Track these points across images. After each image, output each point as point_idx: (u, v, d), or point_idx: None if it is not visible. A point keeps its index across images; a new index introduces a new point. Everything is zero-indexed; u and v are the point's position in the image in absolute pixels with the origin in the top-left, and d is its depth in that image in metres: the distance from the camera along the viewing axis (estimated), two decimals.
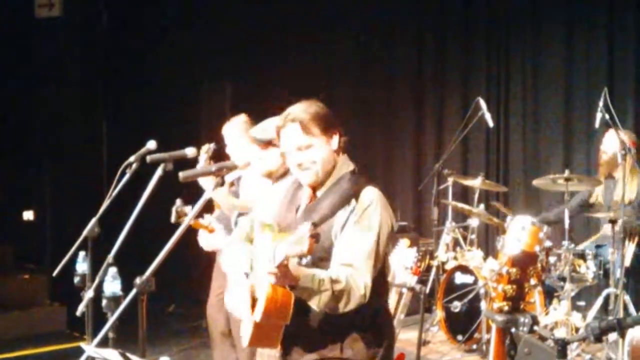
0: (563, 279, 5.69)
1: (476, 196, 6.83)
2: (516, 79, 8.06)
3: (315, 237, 2.51)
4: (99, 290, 4.13)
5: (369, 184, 2.96)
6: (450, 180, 7.02)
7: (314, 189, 3.04)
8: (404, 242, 5.55)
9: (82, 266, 5.06)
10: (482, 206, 6.64)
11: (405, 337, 5.84)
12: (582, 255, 5.86)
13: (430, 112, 8.85)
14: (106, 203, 4.08)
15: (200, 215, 4.21)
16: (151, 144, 3.92)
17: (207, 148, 4.98)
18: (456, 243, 6.89)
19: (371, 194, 2.90)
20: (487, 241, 7.81)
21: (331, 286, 2.70)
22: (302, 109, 2.98)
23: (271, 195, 3.30)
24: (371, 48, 9.08)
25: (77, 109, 9.09)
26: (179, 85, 9.04)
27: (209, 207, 4.80)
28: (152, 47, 9.29)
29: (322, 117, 2.97)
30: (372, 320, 2.96)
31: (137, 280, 2.85)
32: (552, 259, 5.76)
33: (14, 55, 8.52)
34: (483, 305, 5.79)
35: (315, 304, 2.74)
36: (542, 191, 7.02)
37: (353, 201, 2.87)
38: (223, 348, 5.50)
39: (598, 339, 2.22)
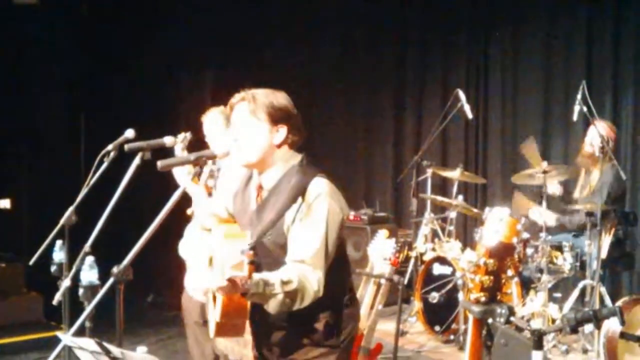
0: (540, 271, 5.73)
1: (455, 188, 6.84)
2: (496, 71, 8.10)
3: (253, 263, 2.52)
4: (75, 279, 4.11)
5: (317, 174, 2.93)
6: (429, 171, 7.03)
7: (260, 178, 3.03)
8: (382, 233, 5.56)
9: (59, 255, 5.03)
10: (460, 197, 6.66)
11: (384, 328, 5.86)
12: (559, 247, 5.90)
13: (410, 104, 8.88)
14: (84, 191, 4.06)
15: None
16: (129, 133, 3.90)
17: (183, 137, 4.91)
18: (435, 234, 6.91)
19: (318, 187, 2.89)
20: (466, 232, 7.85)
21: (282, 289, 2.71)
22: (261, 93, 2.98)
23: (227, 185, 3.29)
24: (353, 39, 9.08)
25: (55, 98, 9.01)
26: (159, 75, 9.00)
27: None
28: (132, 36, 9.22)
29: (275, 108, 2.95)
30: (335, 305, 2.99)
31: (115, 269, 2.83)
32: (529, 251, 5.82)
33: None
34: (461, 296, 5.80)
35: (268, 307, 2.76)
36: (519, 184, 7.05)
37: (300, 197, 2.86)
38: (198, 338, 5.50)
39: (574, 330, 2.24)
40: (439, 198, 6.78)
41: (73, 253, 3.98)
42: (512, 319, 2.22)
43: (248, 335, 3.35)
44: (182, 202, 3.41)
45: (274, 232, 2.89)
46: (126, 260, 2.82)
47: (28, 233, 7.98)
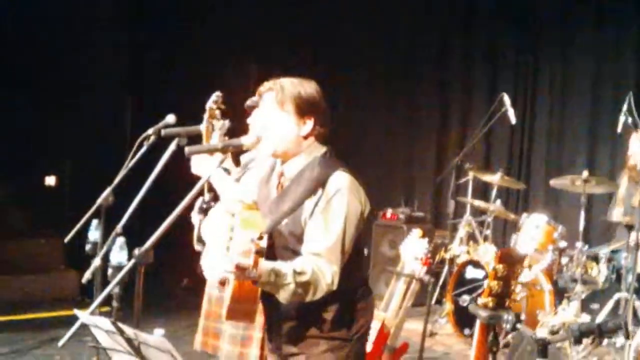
0: (574, 280, 5.66)
1: (494, 192, 6.77)
2: (544, 78, 8.00)
3: (259, 252, 2.52)
4: (106, 259, 4.17)
5: (339, 168, 2.91)
6: (470, 174, 6.98)
7: (282, 167, 3.02)
8: (416, 233, 5.54)
9: (95, 234, 5.11)
10: (498, 202, 6.58)
11: (412, 328, 5.83)
12: (595, 258, 5.81)
13: (456, 106, 8.82)
14: (122, 173, 4.11)
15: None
16: (170, 118, 3.93)
17: (222, 124, 4.88)
18: (470, 237, 6.85)
19: (339, 181, 2.86)
20: (505, 237, 7.76)
21: (294, 279, 2.70)
22: (289, 83, 2.95)
23: (254, 173, 3.29)
24: (396, 39, 9.03)
25: (103, 79, 9.12)
26: (205, 61, 9.05)
27: None
28: (181, 23, 9.30)
29: (303, 99, 2.92)
30: (347, 298, 2.96)
31: (136, 252, 2.86)
32: (564, 260, 5.76)
33: (42, 21, 8.56)
34: (490, 303, 5.77)
35: (280, 297, 2.75)
36: (561, 191, 6.97)
37: (320, 190, 2.84)
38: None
39: (578, 340, 2.20)
40: (476, 202, 6.71)
41: (108, 233, 4.00)
42: (518, 326, 2.20)
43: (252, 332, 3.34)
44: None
45: (291, 221, 2.88)
46: (148, 244, 2.83)
47: (70, 211, 8.09)
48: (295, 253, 2.85)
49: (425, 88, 9.05)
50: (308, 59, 8.83)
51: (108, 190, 4.26)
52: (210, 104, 3.46)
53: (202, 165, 4.07)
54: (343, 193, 2.85)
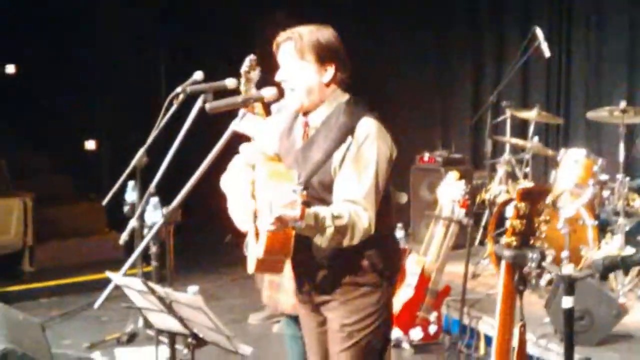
0: (616, 213, 5.57)
1: (531, 128, 6.65)
2: (580, 8, 7.77)
3: (306, 203, 2.52)
4: (142, 219, 4.20)
5: (365, 114, 2.89)
6: (507, 112, 6.86)
7: (305, 115, 2.99)
8: (452, 175, 5.51)
9: (131, 195, 5.17)
10: (535, 138, 6.46)
11: (454, 270, 5.80)
12: (637, 189, 5.71)
13: (489, 43, 8.63)
14: (154, 133, 4.12)
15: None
16: (197, 75, 3.91)
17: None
18: (510, 176, 6.76)
19: (367, 127, 2.84)
20: (546, 174, 7.65)
21: (333, 222, 2.68)
22: (307, 31, 2.91)
23: (273, 125, 3.26)
24: None
25: (136, 40, 9.13)
26: (234, 16, 8.99)
27: None
28: None
29: (322, 46, 2.89)
30: (380, 244, 2.95)
31: (163, 211, 2.87)
32: (605, 193, 5.67)
33: None
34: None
35: (319, 241, 2.74)
36: (601, 124, 6.83)
37: (349, 137, 2.82)
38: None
39: (603, 276, 2.16)
40: (513, 140, 6.60)
41: (145, 194, 4.01)
42: (543, 264, 2.16)
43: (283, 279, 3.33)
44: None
45: (320, 171, 2.87)
46: (175, 202, 2.84)
47: (110, 174, 8.18)
48: (325, 203, 2.83)
49: (457, 27, 8.87)
50: (336, 13, 8.70)
51: (141, 151, 4.30)
52: (244, 68, 3.42)
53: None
54: (372, 139, 2.83)
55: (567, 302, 2.20)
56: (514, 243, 2.20)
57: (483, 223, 6.88)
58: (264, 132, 3.38)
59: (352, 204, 2.76)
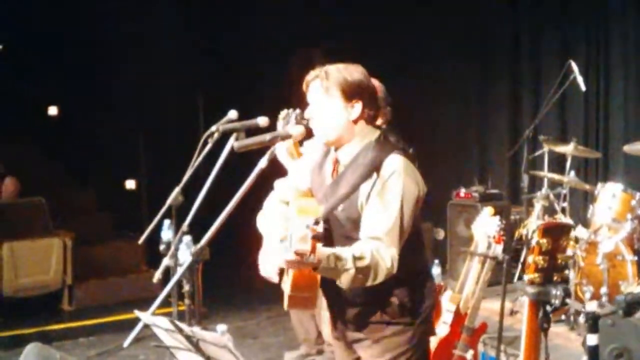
0: None
1: (568, 162, 6.57)
2: (618, 41, 7.71)
3: (316, 237, 2.50)
4: (176, 258, 4.23)
5: (393, 151, 2.89)
6: (545, 147, 6.80)
7: (337, 151, 3.02)
8: (487, 211, 5.45)
9: (167, 234, 5.19)
10: (572, 173, 6.39)
11: (492, 307, 5.75)
12: None
13: (527, 77, 8.60)
14: (189, 172, 4.15)
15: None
16: (232, 114, 3.94)
17: (286, 114, 4.85)
18: (547, 211, 6.68)
19: (394, 163, 2.85)
20: (584, 208, 7.54)
21: (354, 264, 2.67)
22: (334, 69, 2.96)
23: (306, 161, 3.29)
24: (465, 13, 8.86)
25: (175, 80, 9.26)
26: (271, 53, 9.10)
27: None
28: (245, 15, 9.36)
29: (348, 83, 2.92)
30: (410, 282, 2.95)
31: (192, 249, 2.90)
32: None
33: (115, 30, 8.75)
34: (571, 275, 5.64)
35: (340, 282, 2.74)
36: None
37: (374, 173, 2.84)
38: (299, 315, 5.57)
39: (627, 313, 2.12)
40: (549, 174, 6.53)
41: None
42: (567, 300, 2.13)
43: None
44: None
45: (347, 206, 2.88)
46: (203, 241, 2.87)
47: (149, 213, 8.26)
48: (353, 240, 2.84)
49: (495, 60, 8.87)
50: (375, 46, 8.75)
51: (177, 190, 4.32)
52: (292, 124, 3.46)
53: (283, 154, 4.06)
54: (398, 175, 2.84)
55: (591, 339, 2.17)
56: (537, 280, 2.18)
57: (521, 259, 6.80)
58: (298, 168, 3.41)
59: (375, 240, 2.77)
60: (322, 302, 3.20)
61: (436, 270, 5.47)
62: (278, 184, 3.26)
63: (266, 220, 3.22)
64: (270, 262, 3.03)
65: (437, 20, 8.89)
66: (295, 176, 3.36)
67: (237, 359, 2.71)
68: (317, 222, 2.53)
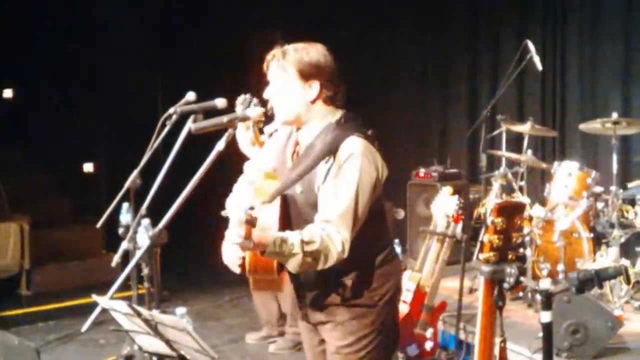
0: (611, 225, 5.56)
1: (526, 141, 6.63)
2: (573, 20, 7.79)
3: (250, 222, 2.50)
4: (134, 241, 4.20)
5: (353, 133, 2.86)
6: (503, 126, 6.86)
7: (297, 134, 3.02)
8: (446, 190, 5.51)
9: (126, 217, 5.17)
10: (529, 152, 6.45)
11: (450, 285, 5.80)
12: (631, 201, 5.70)
13: (485, 57, 8.66)
14: (147, 155, 4.12)
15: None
16: (190, 96, 3.90)
17: (243, 99, 4.82)
18: (505, 190, 6.74)
19: (352, 146, 2.82)
20: (542, 187, 7.64)
21: (302, 249, 2.67)
22: (292, 49, 2.94)
23: (272, 143, 3.28)
24: None
25: (132, 62, 9.17)
26: (230, 35, 9.04)
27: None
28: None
29: (305, 63, 2.90)
30: (365, 265, 2.95)
31: (150, 232, 2.88)
32: (600, 205, 5.67)
33: (70, 12, 8.63)
34: (528, 252, 5.72)
35: (289, 266, 2.73)
36: (595, 136, 6.84)
37: (330, 156, 2.82)
38: (262, 297, 5.59)
39: (580, 290, 2.15)
40: (507, 154, 6.60)
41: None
42: (521, 279, 2.16)
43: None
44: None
45: (305, 189, 2.87)
46: (161, 224, 2.85)
47: (107, 196, 8.19)
48: (311, 222, 2.83)
49: (453, 42, 8.91)
50: (334, 27, 8.74)
51: (135, 173, 4.30)
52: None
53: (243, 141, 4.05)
54: (355, 158, 2.81)
55: (545, 316, 2.20)
56: (492, 259, 2.20)
57: (480, 238, 6.86)
58: (263, 150, 3.40)
59: (327, 223, 2.75)
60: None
61: (396, 249, 5.50)
62: (247, 166, 3.24)
63: (233, 203, 3.19)
64: (229, 250, 3.02)
65: (395, 0, 8.90)
66: (261, 158, 3.34)
67: (196, 342, 2.71)
68: (252, 207, 2.53)
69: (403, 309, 5.27)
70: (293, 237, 2.69)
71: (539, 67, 6.54)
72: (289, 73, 2.91)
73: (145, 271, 4.51)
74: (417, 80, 9.19)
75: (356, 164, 2.80)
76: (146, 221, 4.35)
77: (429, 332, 5.24)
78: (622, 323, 4.76)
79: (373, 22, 9.00)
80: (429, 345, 5.25)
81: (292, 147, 3.06)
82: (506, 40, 8.34)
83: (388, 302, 3.03)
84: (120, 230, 5.20)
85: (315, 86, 2.92)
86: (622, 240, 5.53)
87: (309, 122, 2.96)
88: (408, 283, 5.33)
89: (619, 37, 7.34)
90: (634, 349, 4.83)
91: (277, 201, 2.89)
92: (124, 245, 4.01)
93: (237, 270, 2.97)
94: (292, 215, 2.95)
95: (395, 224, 7.69)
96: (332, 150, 2.83)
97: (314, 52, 2.95)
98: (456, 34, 8.90)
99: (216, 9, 9.33)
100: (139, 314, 2.71)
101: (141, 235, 4.32)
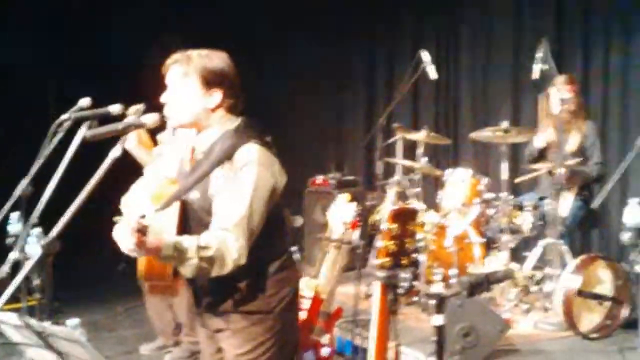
0: (501, 231, 5.74)
1: (421, 149, 6.77)
2: (466, 31, 8.02)
3: (140, 231, 2.50)
4: (24, 251, 4.08)
5: (250, 140, 2.86)
6: (398, 134, 6.98)
7: (195, 140, 3.00)
8: (343, 197, 5.54)
9: (15, 227, 5.01)
10: (424, 159, 6.59)
11: (347, 291, 5.84)
12: (520, 207, 5.89)
13: (381, 67, 8.82)
14: (38, 162, 4.00)
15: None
16: (83, 102, 3.82)
17: (136, 109, 4.75)
18: (401, 197, 6.86)
19: (248, 153, 2.82)
20: (436, 194, 7.81)
21: (197, 254, 2.66)
22: (196, 55, 2.90)
23: (174, 148, 3.25)
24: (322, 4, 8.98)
25: (24, 67, 8.91)
26: (127, 40, 8.90)
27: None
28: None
29: (208, 70, 2.87)
30: (260, 272, 2.95)
31: (42, 242, 2.81)
32: (490, 211, 5.84)
33: None
34: (422, 258, 5.83)
35: (183, 271, 2.72)
36: (487, 144, 7.05)
37: (226, 163, 2.81)
38: (156, 306, 5.52)
39: (471, 293, 2.22)
40: (402, 161, 6.72)
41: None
42: (415, 283, 2.22)
43: None
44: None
45: (201, 195, 2.86)
46: (53, 233, 2.78)
47: None
48: (207, 228, 2.81)
49: (351, 50, 9.04)
50: (230, 28, 8.72)
51: (25, 181, 4.17)
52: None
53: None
54: (252, 166, 2.80)
55: (437, 320, 2.26)
56: (387, 264, 2.25)
57: (374, 244, 6.96)
58: (165, 155, 3.36)
59: (223, 231, 2.74)
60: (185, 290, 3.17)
61: (295, 256, 5.52)
62: (148, 170, 3.19)
63: (129, 202, 3.14)
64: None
65: (293, 6, 8.94)
66: (162, 163, 3.30)
67: (89, 353, 2.65)
68: (143, 216, 2.51)
69: (301, 315, 5.29)
70: (189, 241, 2.67)
71: (433, 76, 6.69)
72: (191, 79, 2.88)
73: (37, 282, 4.41)
74: (314, 87, 9.26)
75: (253, 171, 2.80)
76: (37, 230, 4.25)
77: (325, 339, 5.27)
78: (510, 326, 4.92)
79: (273, 29, 9.04)
80: (325, 351, 5.28)
81: (189, 152, 3.04)
82: (403, 49, 8.51)
83: (286, 308, 3.02)
84: (9, 240, 5.05)
85: (216, 95, 2.90)
86: (512, 245, 5.72)
87: (207, 128, 2.94)
88: (305, 290, 5.35)
89: (509, 48, 7.58)
90: (523, 350, 5.00)
91: (177, 206, 2.87)
92: (13, 255, 3.90)
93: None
94: (190, 220, 2.94)
95: (293, 231, 7.72)
96: (228, 157, 2.83)
97: (219, 60, 2.93)
98: (353, 41, 9.02)
99: (112, 10, 9.16)
100: (29, 326, 2.63)
101: (32, 245, 4.23)
